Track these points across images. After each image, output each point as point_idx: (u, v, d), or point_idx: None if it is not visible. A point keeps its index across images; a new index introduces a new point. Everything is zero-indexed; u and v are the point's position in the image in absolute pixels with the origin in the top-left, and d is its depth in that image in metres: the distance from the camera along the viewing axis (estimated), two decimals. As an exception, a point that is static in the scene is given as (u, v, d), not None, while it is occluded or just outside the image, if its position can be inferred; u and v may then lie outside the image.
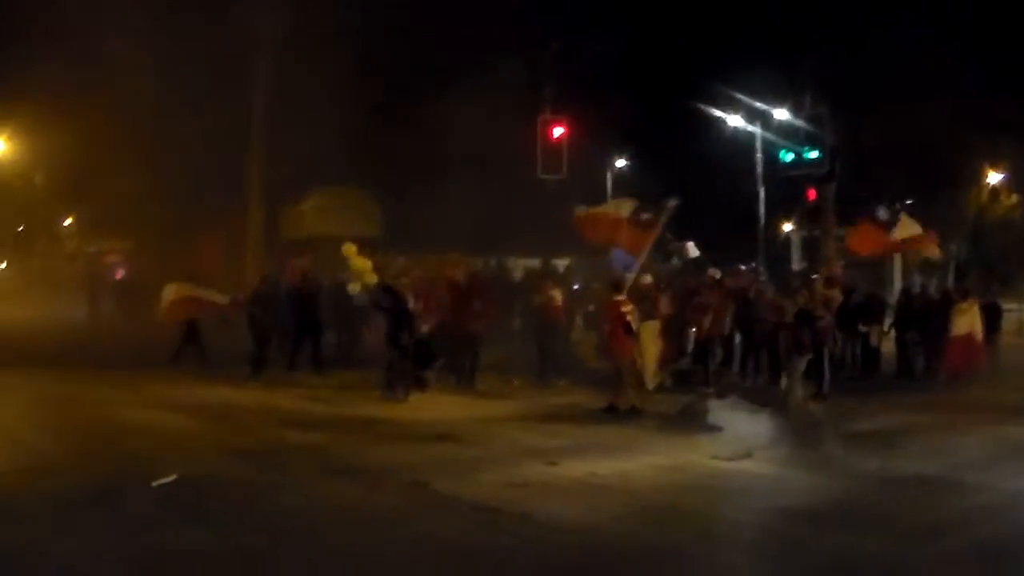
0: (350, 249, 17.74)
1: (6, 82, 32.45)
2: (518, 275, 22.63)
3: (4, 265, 54.90)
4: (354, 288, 17.76)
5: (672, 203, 16.35)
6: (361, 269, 17.53)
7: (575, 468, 10.45)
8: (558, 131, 20.76)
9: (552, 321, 17.24)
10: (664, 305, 16.10)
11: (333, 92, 25.12)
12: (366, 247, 18.68)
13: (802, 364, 14.81)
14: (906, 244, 19.86)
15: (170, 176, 27.88)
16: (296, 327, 18.30)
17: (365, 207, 30.96)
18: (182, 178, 27.61)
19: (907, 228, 19.13)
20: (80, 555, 7.47)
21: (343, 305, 18.75)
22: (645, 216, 16.52)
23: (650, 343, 15.40)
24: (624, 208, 17.07)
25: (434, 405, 14.81)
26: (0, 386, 16.35)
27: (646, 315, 15.22)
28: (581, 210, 17.86)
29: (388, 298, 15.80)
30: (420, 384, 15.53)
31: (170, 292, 18.60)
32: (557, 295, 17.39)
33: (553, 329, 17.30)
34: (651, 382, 15.40)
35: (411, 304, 15.76)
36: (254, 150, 28.65)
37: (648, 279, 16.45)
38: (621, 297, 14.42)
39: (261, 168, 28.82)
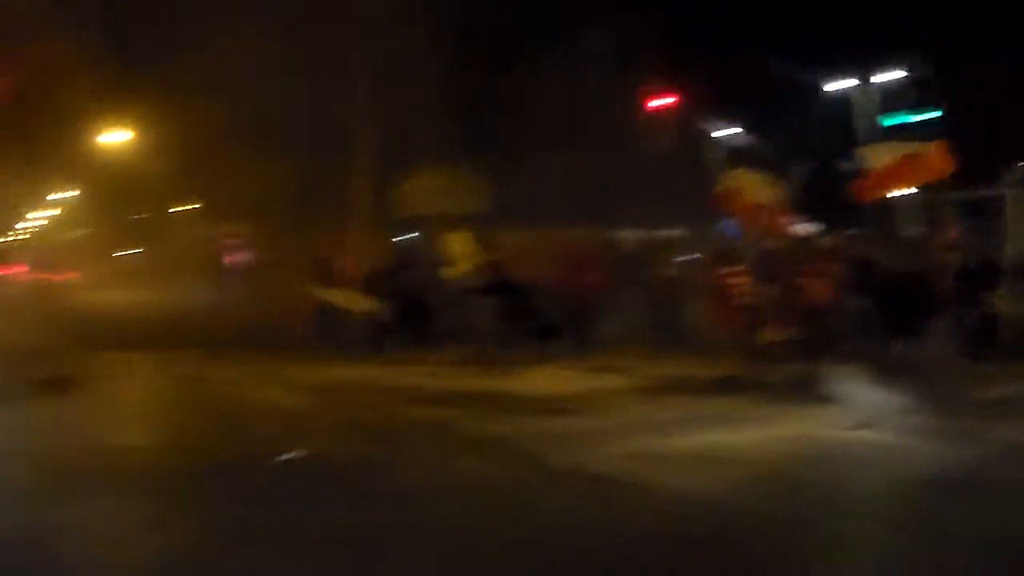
0: (453, 234, 17.81)
1: (132, 71, 33.56)
2: (629, 247, 22.56)
3: (140, 251, 57.20)
4: (450, 273, 17.83)
5: (800, 171, 15.98)
6: (462, 254, 17.58)
7: (692, 440, 10.39)
8: (663, 100, 20.57)
9: (667, 293, 17.17)
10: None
11: (435, 67, 25.29)
12: (473, 225, 18.81)
13: (924, 329, 14.44)
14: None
15: (289, 159, 28.51)
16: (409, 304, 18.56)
17: (470, 183, 31.09)
18: (300, 160, 28.21)
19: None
20: (205, 528, 7.67)
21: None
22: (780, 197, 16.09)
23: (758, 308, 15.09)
24: (763, 189, 16.60)
25: (549, 378, 14.90)
26: (135, 367, 17.23)
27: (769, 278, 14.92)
28: (727, 181, 17.23)
29: (497, 275, 15.94)
30: (534, 357, 15.64)
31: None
32: (672, 266, 17.31)
33: (668, 301, 17.23)
34: (770, 343, 15.12)
35: (522, 278, 15.88)
36: (359, 133, 29.04)
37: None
38: (731, 267, 14.27)
39: (366, 148, 29.19)
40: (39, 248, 60.95)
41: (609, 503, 8.22)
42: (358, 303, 18.53)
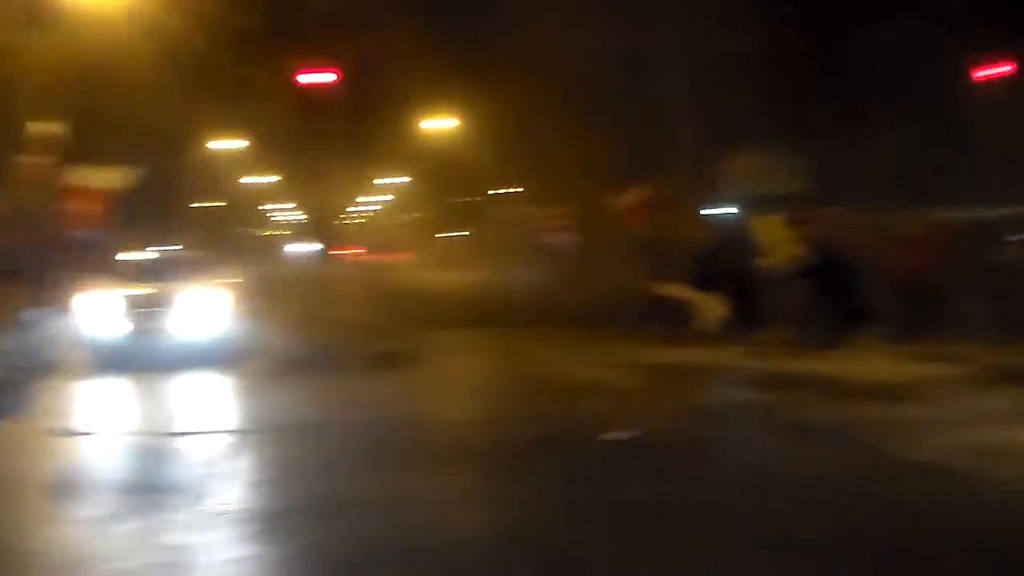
0: (767, 221, 17.43)
1: (456, 58, 35.12)
2: (961, 227, 21.27)
3: (465, 233, 60.15)
4: (767, 261, 17.47)
5: None
6: (777, 240, 17.19)
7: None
8: (997, 69, 19.12)
9: (1003, 276, 16.13)
10: None
11: (751, 44, 24.80)
12: (792, 207, 18.36)
13: None
14: None
15: (606, 140, 28.95)
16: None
17: (791, 163, 30.28)
18: (617, 140, 28.58)
19: None
20: (538, 504, 7.92)
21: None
22: None
23: None
24: None
25: (875, 364, 14.36)
26: (462, 345, 18.12)
27: None
28: None
29: (821, 256, 15.56)
30: (856, 341, 15.17)
31: None
32: (1008, 248, 16.24)
33: (1004, 285, 16.18)
34: None
35: (847, 260, 15.43)
36: (674, 110, 28.95)
37: None
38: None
39: (684, 128, 29.06)
40: (373, 230, 65.13)
41: (941, 496, 7.86)
42: (703, 304, 18.39)
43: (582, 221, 35.44)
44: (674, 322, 17.85)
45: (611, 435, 9.99)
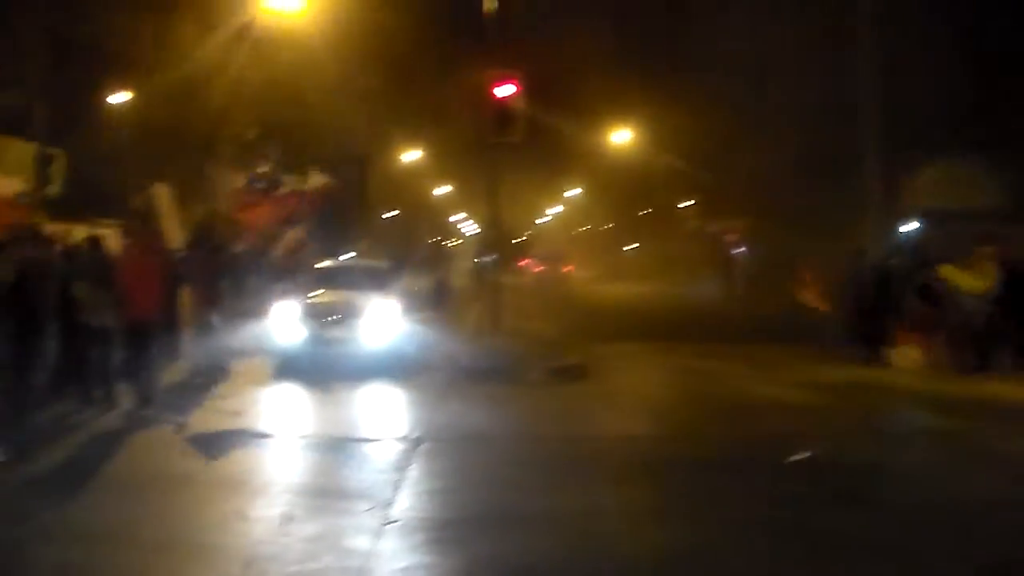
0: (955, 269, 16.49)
1: (636, 70, 35.06)
2: None
3: (636, 246, 59.93)
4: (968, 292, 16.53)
5: None
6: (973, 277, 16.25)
7: None
8: None
9: None
10: None
11: (939, 53, 23.76)
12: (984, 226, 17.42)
13: None
14: None
15: (788, 153, 28.28)
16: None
17: (981, 177, 28.83)
18: (799, 153, 27.87)
19: None
20: (709, 522, 7.79)
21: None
22: None
23: None
24: None
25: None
26: (639, 358, 17.97)
27: None
28: None
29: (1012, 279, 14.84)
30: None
31: None
32: None
33: None
34: None
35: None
36: (864, 120, 27.97)
37: None
38: None
39: (873, 137, 28.02)
40: (546, 242, 65.58)
41: None
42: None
43: (759, 234, 34.76)
44: (860, 344, 17.12)
45: (795, 457, 9.66)
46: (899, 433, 11.58)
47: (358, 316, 15.38)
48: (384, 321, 15.47)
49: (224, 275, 17.36)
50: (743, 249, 36.46)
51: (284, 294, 16.47)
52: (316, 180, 28.29)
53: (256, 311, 16.89)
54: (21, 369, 10.81)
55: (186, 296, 16.09)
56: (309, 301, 15.79)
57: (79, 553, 6.97)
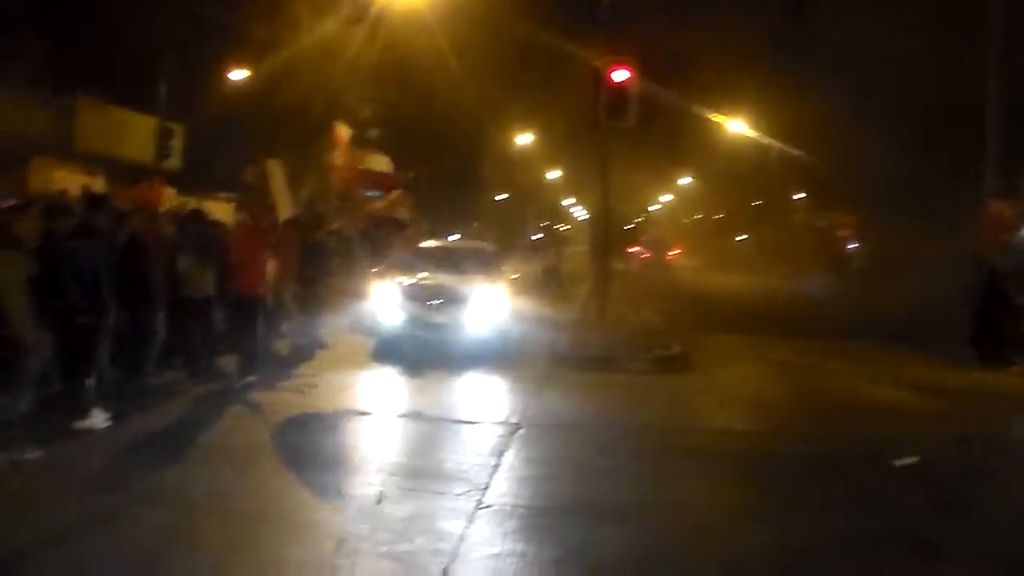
0: None
1: (762, 57, 34.37)
2: None
3: (745, 237, 59.15)
4: None
5: None
6: None
7: None
8: None
9: None
10: None
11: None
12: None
13: None
14: None
15: (900, 149, 27.46)
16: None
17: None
18: (916, 147, 27.03)
19: None
20: (806, 524, 7.63)
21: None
22: None
23: None
24: None
25: None
26: (744, 351, 17.63)
27: None
28: None
29: None
30: None
31: None
32: None
33: None
34: None
35: None
36: (990, 116, 26.93)
37: None
38: None
39: (997, 134, 26.95)
40: (654, 230, 65.13)
41: None
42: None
43: (871, 229, 33.86)
44: (978, 346, 16.46)
45: (902, 461, 9.36)
46: (1013, 440, 11.11)
47: (462, 301, 15.24)
48: (487, 307, 15.34)
49: (319, 253, 17.36)
50: (856, 245, 35.56)
51: (390, 274, 16.39)
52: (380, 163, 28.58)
53: (358, 291, 16.97)
54: (130, 338, 11.04)
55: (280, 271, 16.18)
56: (412, 283, 15.70)
57: (177, 518, 7.15)
